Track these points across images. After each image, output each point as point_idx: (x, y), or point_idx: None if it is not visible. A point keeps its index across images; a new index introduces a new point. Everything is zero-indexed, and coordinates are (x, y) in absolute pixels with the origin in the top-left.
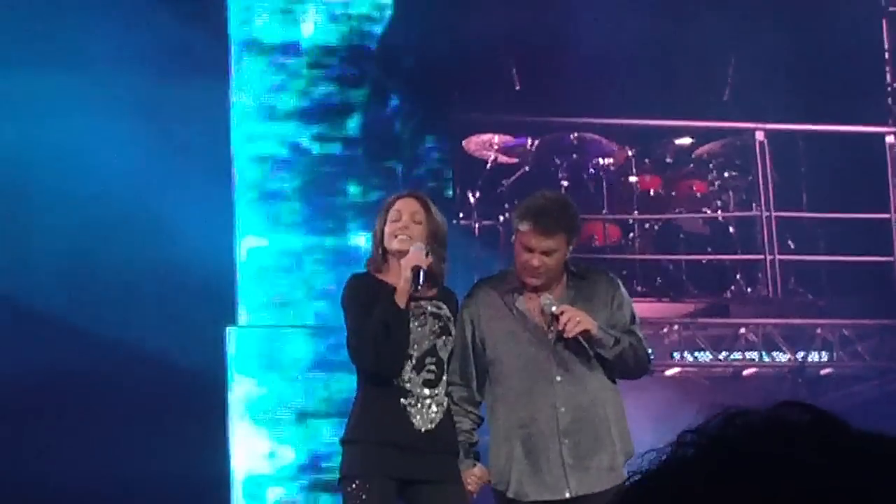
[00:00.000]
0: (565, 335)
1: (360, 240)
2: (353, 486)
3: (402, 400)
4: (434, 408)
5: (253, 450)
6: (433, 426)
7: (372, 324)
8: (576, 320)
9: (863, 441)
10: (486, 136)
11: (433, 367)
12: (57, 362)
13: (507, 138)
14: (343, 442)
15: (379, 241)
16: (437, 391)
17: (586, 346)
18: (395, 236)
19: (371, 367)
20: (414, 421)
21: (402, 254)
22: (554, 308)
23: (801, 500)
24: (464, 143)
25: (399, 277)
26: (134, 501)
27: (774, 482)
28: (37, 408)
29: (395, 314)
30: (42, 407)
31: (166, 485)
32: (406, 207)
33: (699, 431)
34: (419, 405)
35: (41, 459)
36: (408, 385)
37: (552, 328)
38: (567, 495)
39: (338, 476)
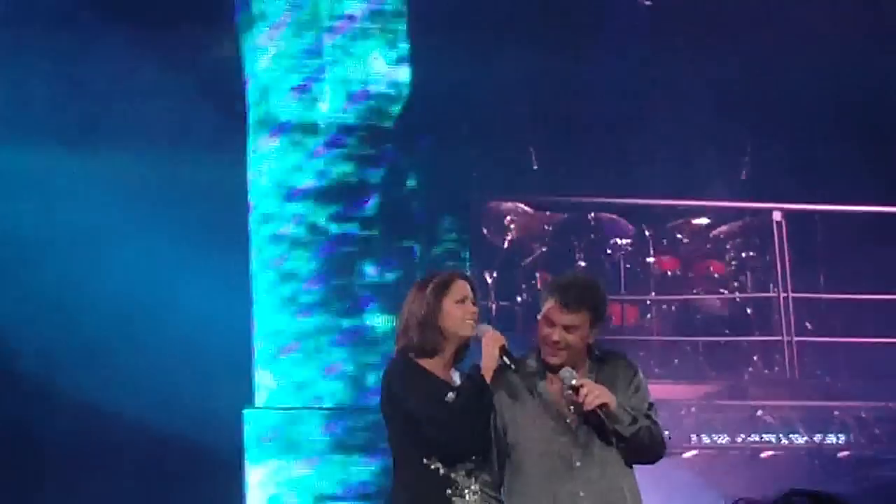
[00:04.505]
0: (584, 407)
1: (377, 320)
2: None
3: (447, 490)
4: (472, 497)
5: None
6: None
7: (461, 405)
8: (595, 393)
9: None
10: (505, 206)
11: (474, 456)
12: (72, 440)
13: (525, 208)
14: None
15: (435, 322)
16: (473, 479)
17: (605, 419)
18: (467, 321)
19: (461, 451)
20: None
21: (465, 339)
22: (574, 381)
23: None
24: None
25: (445, 361)
26: None
27: None
28: (56, 485)
29: (489, 395)
30: (62, 485)
31: None
32: (468, 290)
33: None
34: (462, 495)
35: None
36: (452, 474)
37: (568, 393)
38: None
39: None
